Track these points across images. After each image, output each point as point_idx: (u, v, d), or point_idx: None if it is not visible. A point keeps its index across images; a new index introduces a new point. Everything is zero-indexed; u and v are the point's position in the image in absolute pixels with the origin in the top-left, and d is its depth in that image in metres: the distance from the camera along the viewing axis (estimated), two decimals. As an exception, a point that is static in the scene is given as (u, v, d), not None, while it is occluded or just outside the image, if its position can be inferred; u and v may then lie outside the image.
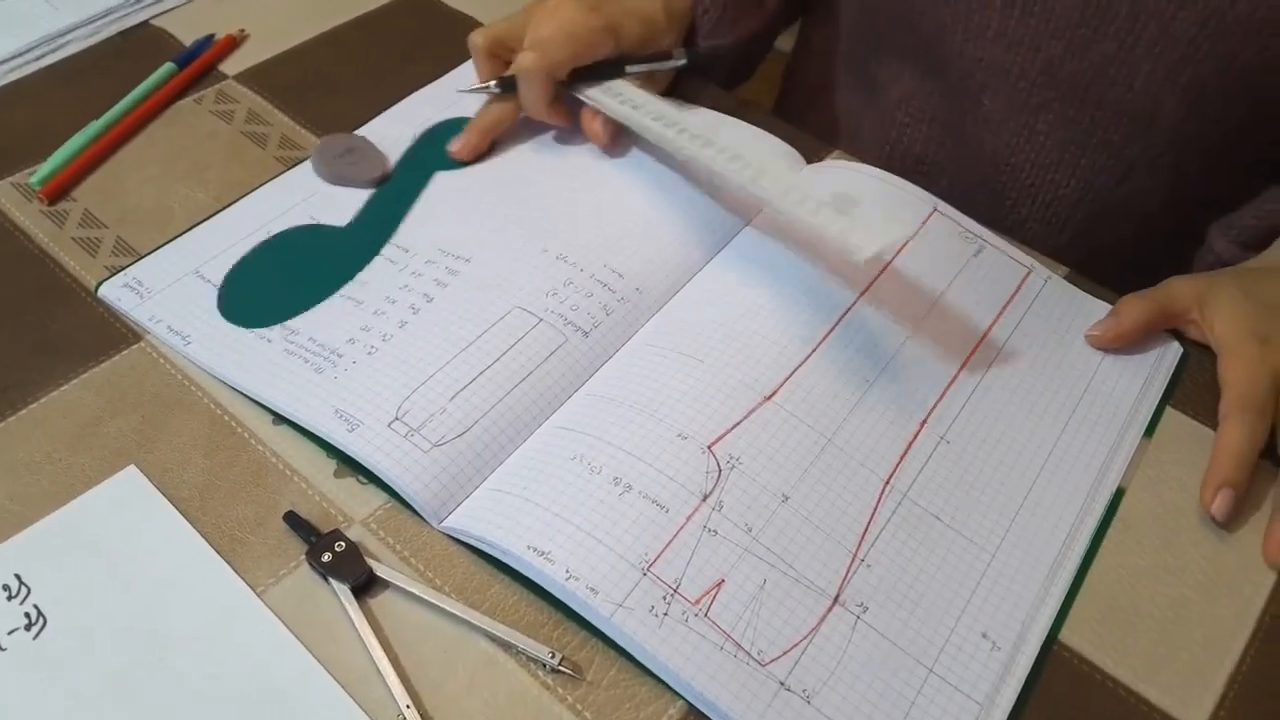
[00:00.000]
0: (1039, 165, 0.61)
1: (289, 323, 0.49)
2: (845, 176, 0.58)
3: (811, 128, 0.64)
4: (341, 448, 0.44)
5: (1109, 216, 0.61)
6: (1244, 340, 0.47)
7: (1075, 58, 0.55)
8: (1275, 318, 0.48)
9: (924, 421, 0.47)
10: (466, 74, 0.64)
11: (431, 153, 0.59)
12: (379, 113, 0.61)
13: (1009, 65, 0.58)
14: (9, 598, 0.40)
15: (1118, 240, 0.63)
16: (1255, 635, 0.42)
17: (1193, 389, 0.50)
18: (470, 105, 0.60)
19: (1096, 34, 0.54)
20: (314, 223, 0.54)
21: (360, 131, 0.60)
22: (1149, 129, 0.57)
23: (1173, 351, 0.52)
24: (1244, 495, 0.45)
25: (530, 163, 0.59)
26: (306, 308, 0.50)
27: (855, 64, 0.69)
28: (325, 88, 0.63)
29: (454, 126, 0.60)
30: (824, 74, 0.72)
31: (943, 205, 0.55)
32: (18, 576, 0.41)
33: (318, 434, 0.45)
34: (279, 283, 0.51)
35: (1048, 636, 0.41)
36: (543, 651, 0.39)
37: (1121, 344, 0.50)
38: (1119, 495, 0.46)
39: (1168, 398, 0.50)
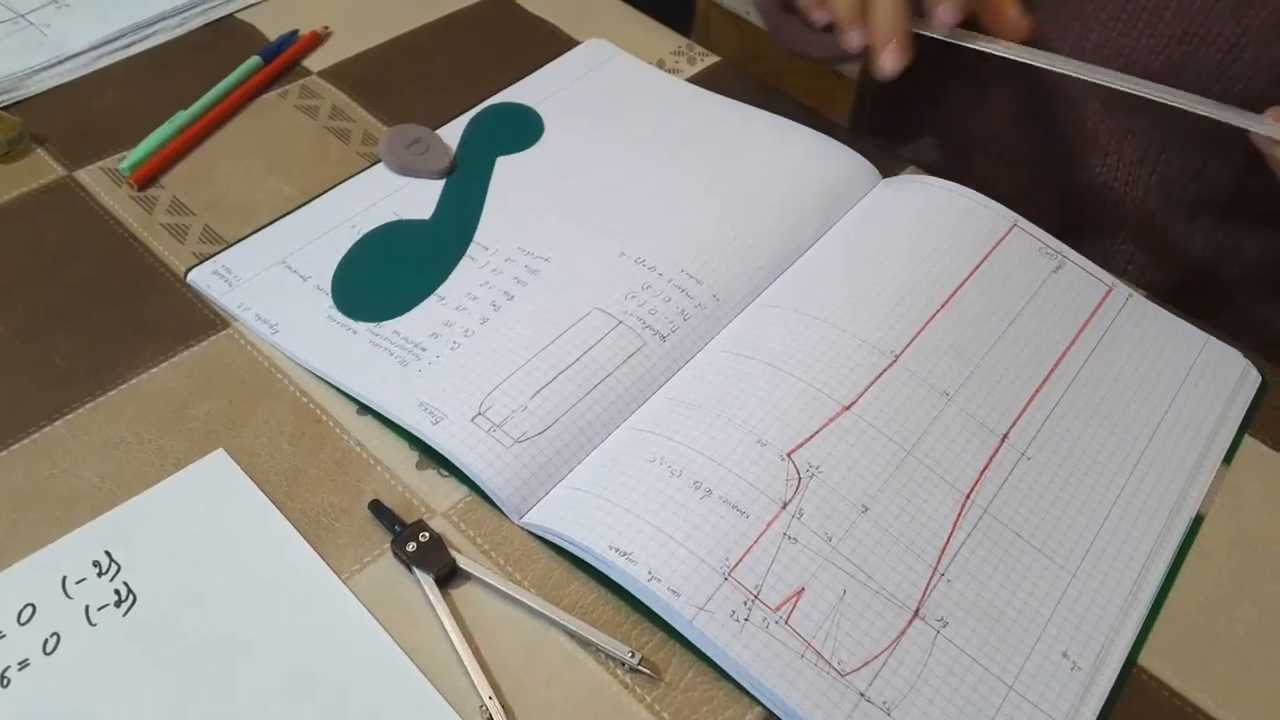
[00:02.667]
0: (1125, 164, 0.60)
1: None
2: (921, 190, 0.58)
3: (888, 138, 0.64)
4: (426, 440, 0.45)
5: (1184, 209, 0.61)
6: None
7: (1173, 74, 0.55)
8: None
9: (1004, 437, 0.47)
10: (545, 77, 0.65)
11: (488, 138, 0.60)
12: (459, 114, 0.62)
13: (1110, 62, 0.57)
14: (99, 574, 0.41)
15: (1191, 235, 0.62)
16: (1340, 669, 0.42)
17: (1271, 418, 0.50)
18: (534, 100, 0.61)
19: (1196, 53, 0.54)
20: (399, 219, 0.55)
21: (442, 130, 0.61)
22: (1226, 135, 0.56)
23: (1251, 380, 0.51)
24: None
25: (593, 153, 0.59)
26: (406, 309, 0.50)
27: (941, 75, 0.69)
28: (406, 87, 0.64)
29: (502, 112, 0.61)
30: (904, 84, 0.72)
31: (1023, 221, 0.55)
32: (108, 554, 0.42)
33: (402, 425, 0.45)
34: (378, 281, 0.52)
35: (1127, 659, 0.41)
36: (622, 650, 0.40)
37: None
38: (1198, 521, 0.46)
39: (1246, 425, 0.50)
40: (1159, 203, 0.61)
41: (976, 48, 0.49)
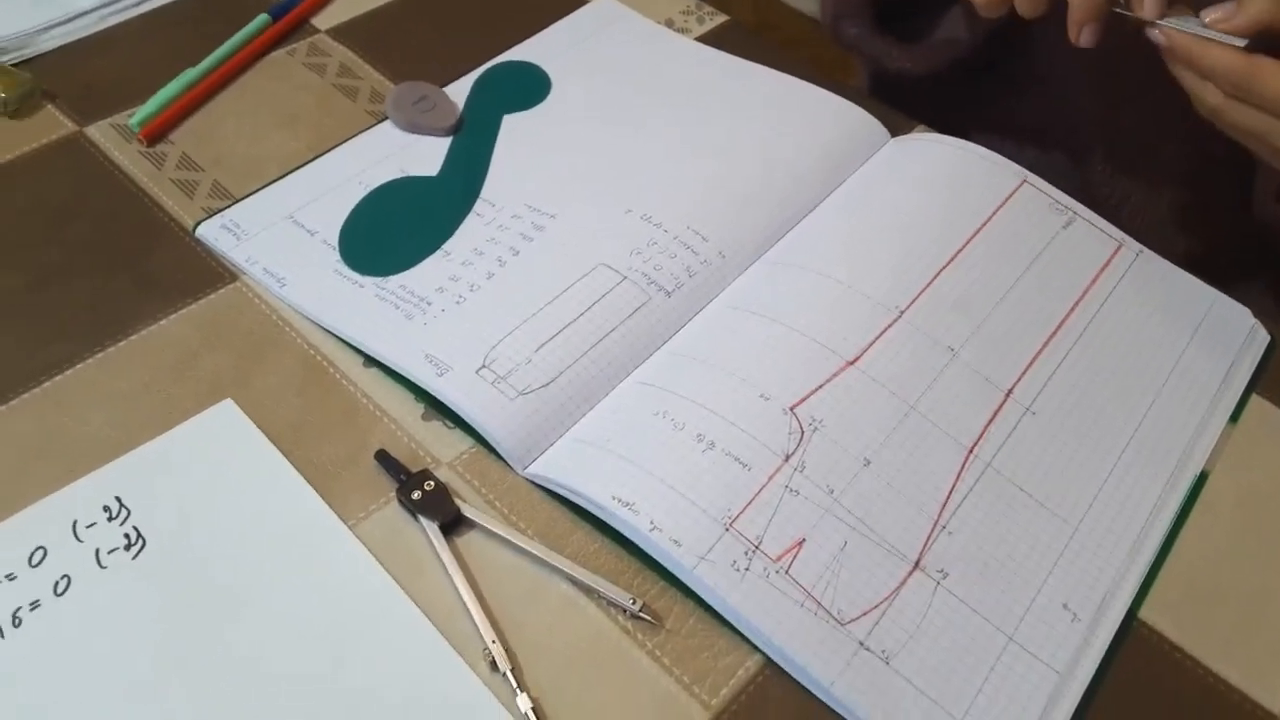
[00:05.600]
0: (1129, 133, 0.60)
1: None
2: (931, 149, 0.57)
3: (904, 105, 0.63)
4: (432, 391, 0.45)
5: (1191, 179, 0.60)
6: None
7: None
8: None
9: (1009, 392, 0.47)
10: (553, 36, 0.64)
11: (495, 96, 0.60)
12: (466, 72, 0.62)
13: (1106, 53, 0.57)
14: (110, 518, 0.42)
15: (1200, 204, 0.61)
16: (1342, 623, 0.42)
17: (1279, 377, 0.50)
18: (541, 59, 0.61)
19: None
20: (406, 175, 0.55)
21: (449, 88, 0.60)
22: None
23: (1260, 339, 0.51)
24: None
25: (600, 111, 0.59)
26: (411, 264, 0.50)
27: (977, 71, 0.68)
28: (413, 45, 0.64)
29: (509, 70, 0.61)
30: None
31: (1032, 177, 0.55)
32: (118, 499, 0.42)
33: (408, 377, 0.46)
34: (385, 236, 0.52)
35: (1128, 612, 0.41)
36: (624, 597, 0.40)
37: (1235, 32, 0.45)
38: (1202, 478, 0.46)
39: (1254, 385, 0.49)
40: (1166, 174, 0.60)
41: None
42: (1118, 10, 0.49)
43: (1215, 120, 0.47)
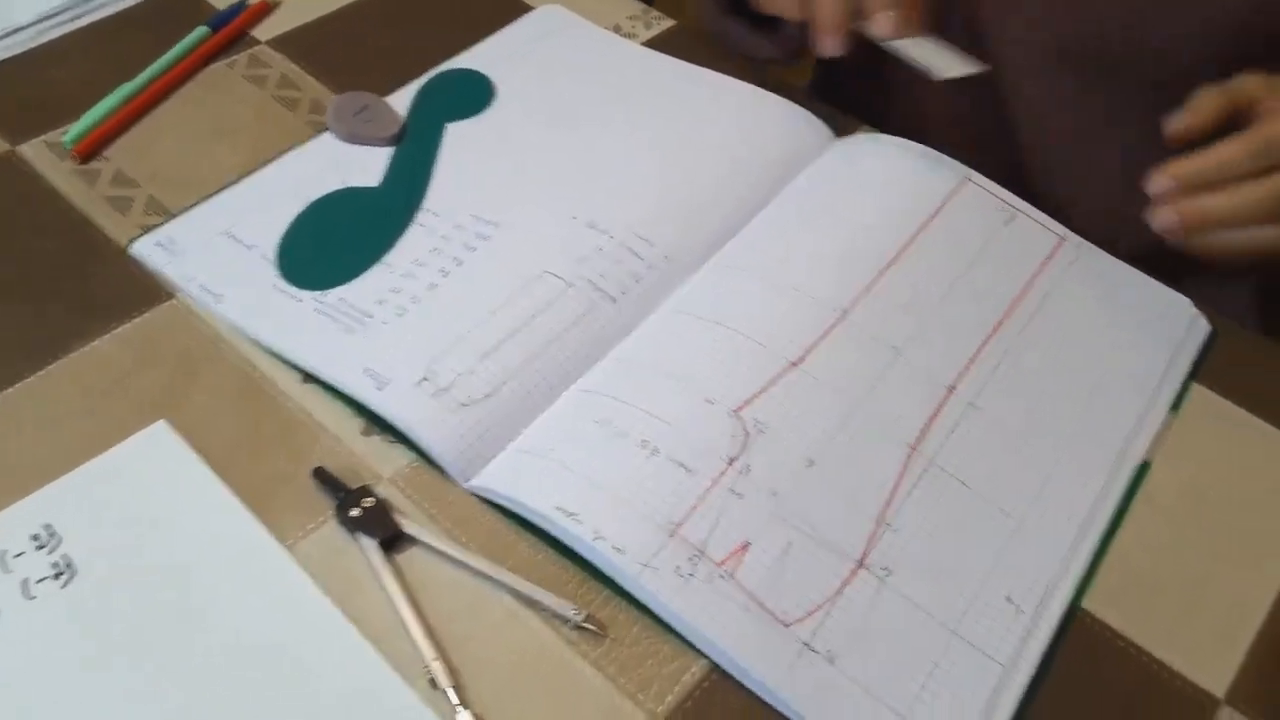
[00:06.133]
0: (1081, 140, 0.60)
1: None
2: (873, 149, 0.57)
3: (848, 105, 0.63)
4: (370, 406, 0.44)
5: (1140, 180, 0.61)
6: None
7: (1127, 39, 0.55)
8: None
9: (952, 388, 0.47)
10: (498, 43, 0.64)
11: (438, 105, 0.59)
12: (409, 81, 0.61)
13: (1058, 48, 0.57)
14: (39, 547, 0.41)
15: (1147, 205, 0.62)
16: (1277, 606, 0.42)
17: (1220, 366, 0.50)
18: (486, 67, 0.61)
19: (1153, 16, 0.54)
20: (347, 186, 0.54)
21: (391, 98, 0.60)
22: (1185, 95, 0.56)
23: (1200, 329, 0.52)
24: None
25: (545, 118, 0.59)
26: (352, 277, 0.50)
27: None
28: (355, 55, 0.63)
29: (452, 78, 0.61)
30: (860, 52, 0.72)
31: (975, 175, 0.55)
32: (48, 527, 0.41)
33: (346, 392, 0.45)
34: (324, 249, 0.51)
35: (1071, 602, 0.41)
36: (567, 608, 0.40)
37: (1195, 135, 0.49)
38: (1144, 469, 0.46)
39: (1194, 374, 0.50)
40: (1114, 177, 0.61)
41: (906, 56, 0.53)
42: (856, 27, 0.52)
43: None
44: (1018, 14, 0.58)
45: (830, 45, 0.53)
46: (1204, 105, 0.49)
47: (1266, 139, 0.46)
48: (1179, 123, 0.49)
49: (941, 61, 0.51)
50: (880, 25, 0.51)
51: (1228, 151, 0.47)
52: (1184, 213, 0.47)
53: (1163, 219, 0.47)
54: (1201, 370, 0.50)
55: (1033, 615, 0.41)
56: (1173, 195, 0.47)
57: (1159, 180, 0.47)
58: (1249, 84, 0.49)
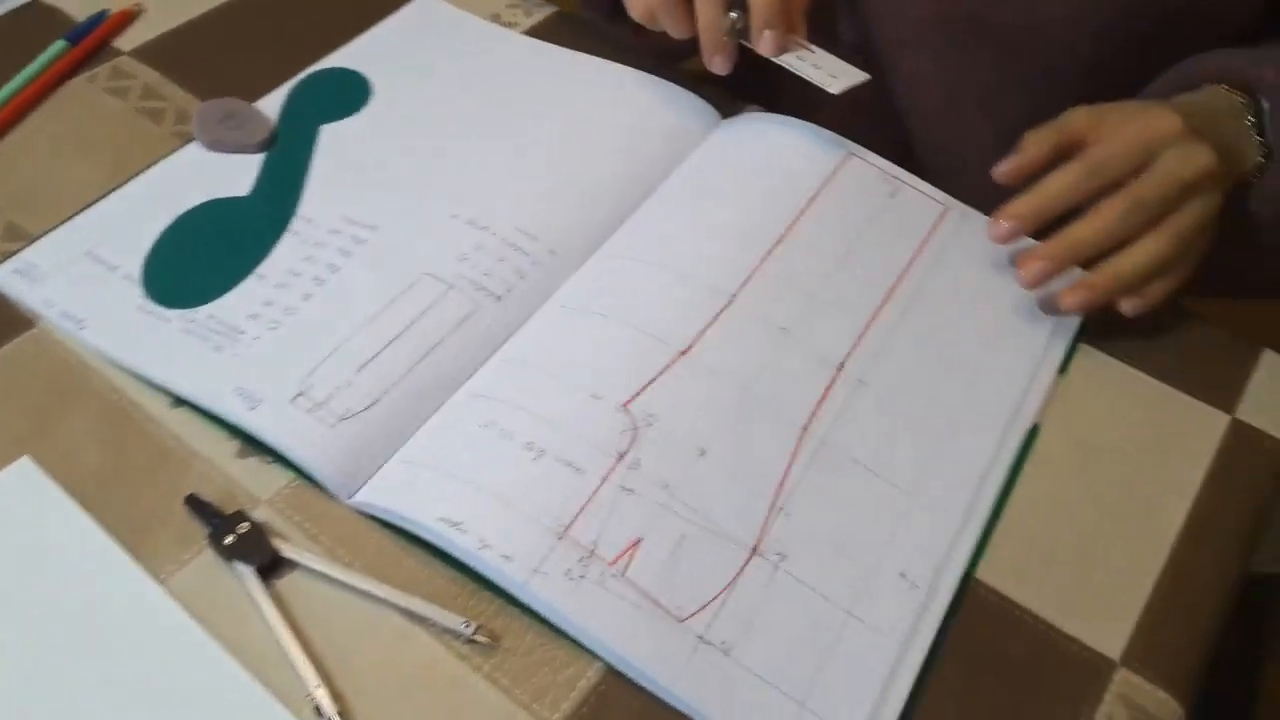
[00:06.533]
0: (961, 111, 0.60)
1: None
2: (757, 128, 0.57)
3: (735, 85, 0.62)
4: (242, 426, 0.43)
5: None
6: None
7: (999, 7, 0.55)
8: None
9: (841, 365, 0.47)
10: (373, 39, 0.62)
11: (311, 107, 0.57)
12: (281, 83, 0.59)
13: (935, 17, 0.57)
14: (-100, 599, 0.39)
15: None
16: (1169, 565, 0.42)
17: (1106, 324, 0.50)
18: (361, 65, 0.59)
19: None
20: (215, 198, 0.52)
21: (262, 102, 0.58)
22: (1063, 71, 0.57)
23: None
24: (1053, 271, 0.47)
25: (423, 115, 0.57)
26: (222, 292, 0.48)
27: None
28: (224, 60, 0.61)
29: (325, 78, 0.59)
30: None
31: (858, 149, 0.55)
32: (-93, 577, 0.39)
33: (217, 414, 0.43)
34: (192, 265, 0.49)
35: (965, 574, 0.41)
36: (456, 622, 0.39)
37: (1027, 174, 0.49)
38: (1034, 432, 0.46)
39: (1082, 333, 0.50)
40: (996, 148, 0.61)
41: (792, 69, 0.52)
42: (744, 44, 0.53)
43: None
44: None
45: (718, 65, 0.53)
46: (1033, 145, 0.49)
47: (1099, 160, 0.46)
48: (1009, 165, 0.49)
49: (829, 75, 0.51)
50: (763, 45, 0.51)
51: (1062, 178, 0.47)
52: (1053, 255, 0.47)
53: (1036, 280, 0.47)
54: (1087, 330, 0.50)
55: (927, 590, 0.40)
56: (1041, 270, 0.47)
57: (999, 227, 0.48)
58: (1076, 120, 0.49)
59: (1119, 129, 0.47)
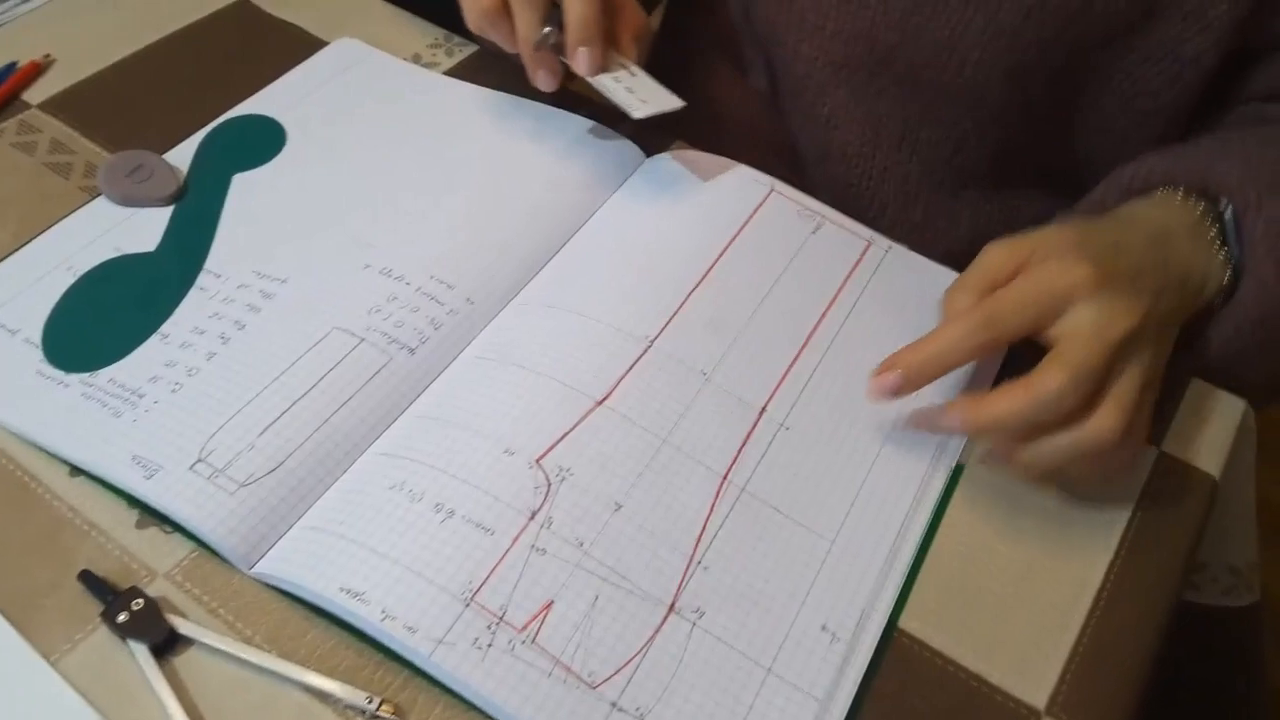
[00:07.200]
0: (882, 149, 0.60)
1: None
2: (679, 166, 0.56)
3: (658, 122, 0.62)
4: (138, 496, 0.41)
5: (947, 185, 0.61)
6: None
7: (909, 46, 0.55)
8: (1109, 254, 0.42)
9: (763, 409, 0.46)
10: (288, 85, 0.61)
11: (223, 156, 0.56)
12: (192, 133, 0.58)
13: (846, 59, 0.57)
14: None
15: (957, 209, 0.62)
16: (1094, 608, 0.42)
17: (1030, 361, 0.50)
18: (276, 110, 0.57)
19: (930, 22, 0.54)
20: (120, 254, 0.51)
21: (171, 154, 0.56)
22: (981, 107, 0.57)
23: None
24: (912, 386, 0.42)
25: (340, 161, 0.56)
26: (124, 354, 0.46)
27: (714, 53, 0.67)
28: (135, 110, 0.59)
29: (238, 126, 0.57)
30: (687, 60, 0.70)
31: (780, 185, 0.54)
32: None
33: (114, 483, 0.42)
34: (94, 326, 0.47)
35: (887, 624, 0.40)
36: (360, 698, 0.37)
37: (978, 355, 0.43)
38: (958, 471, 0.45)
39: (1004, 370, 0.49)
40: (921, 184, 0.61)
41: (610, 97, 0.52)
42: (565, 61, 0.52)
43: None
44: (802, 28, 0.57)
45: (541, 80, 0.53)
46: (957, 304, 0.44)
47: (995, 312, 0.42)
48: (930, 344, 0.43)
49: (639, 100, 0.51)
50: (578, 63, 0.51)
51: (953, 330, 0.42)
52: (968, 417, 0.42)
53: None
54: (1011, 365, 0.50)
55: (849, 642, 0.39)
56: (894, 385, 0.42)
57: (879, 381, 0.43)
58: (991, 260, 0.44)
59: (1028, 275, 0.42)
